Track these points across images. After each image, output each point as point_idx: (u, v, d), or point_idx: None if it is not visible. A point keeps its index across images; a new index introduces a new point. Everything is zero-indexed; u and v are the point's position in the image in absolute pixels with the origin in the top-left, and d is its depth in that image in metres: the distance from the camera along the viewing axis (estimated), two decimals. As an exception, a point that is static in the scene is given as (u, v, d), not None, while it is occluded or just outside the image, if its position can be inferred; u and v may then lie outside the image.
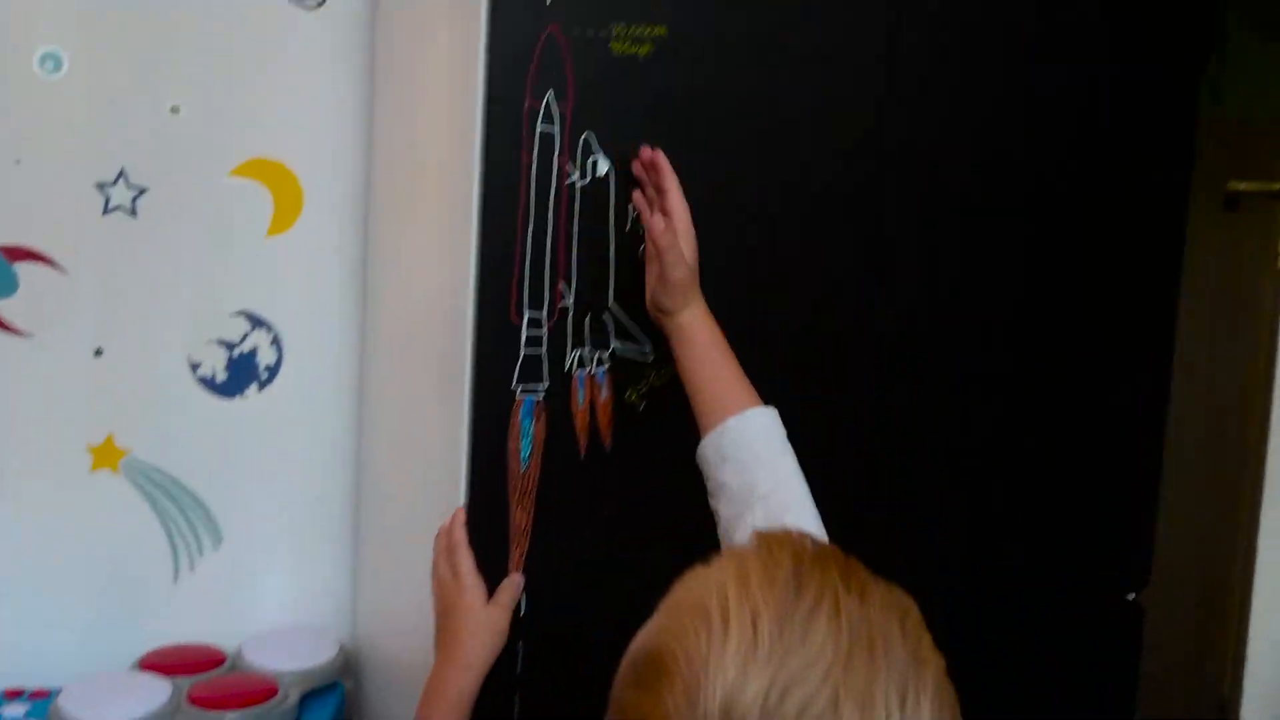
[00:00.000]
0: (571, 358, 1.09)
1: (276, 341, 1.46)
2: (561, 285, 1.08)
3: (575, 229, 1.07)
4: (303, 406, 1.46)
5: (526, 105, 1.04)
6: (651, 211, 1.05)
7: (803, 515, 0.95)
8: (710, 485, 1.01)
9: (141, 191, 1.39)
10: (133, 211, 1.39)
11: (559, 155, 1.06)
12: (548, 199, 1.06)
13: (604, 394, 1.11)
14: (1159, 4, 1.26)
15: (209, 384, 1.44)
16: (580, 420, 1.11)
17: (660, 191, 1.05)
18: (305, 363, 1.46)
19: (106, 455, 1.41)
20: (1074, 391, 1.28)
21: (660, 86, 1.07)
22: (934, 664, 0.60)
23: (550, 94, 1.04)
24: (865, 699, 0.55)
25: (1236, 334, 1.46)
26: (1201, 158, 1.39)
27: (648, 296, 1.06)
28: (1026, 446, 1.20)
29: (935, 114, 1.16)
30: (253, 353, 1.45)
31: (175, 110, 1.40)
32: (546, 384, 1.08)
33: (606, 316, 1.10)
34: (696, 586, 0.61)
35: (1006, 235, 1.24)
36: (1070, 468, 1.22)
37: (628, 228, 1.09)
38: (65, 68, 1.35)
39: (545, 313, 1.08)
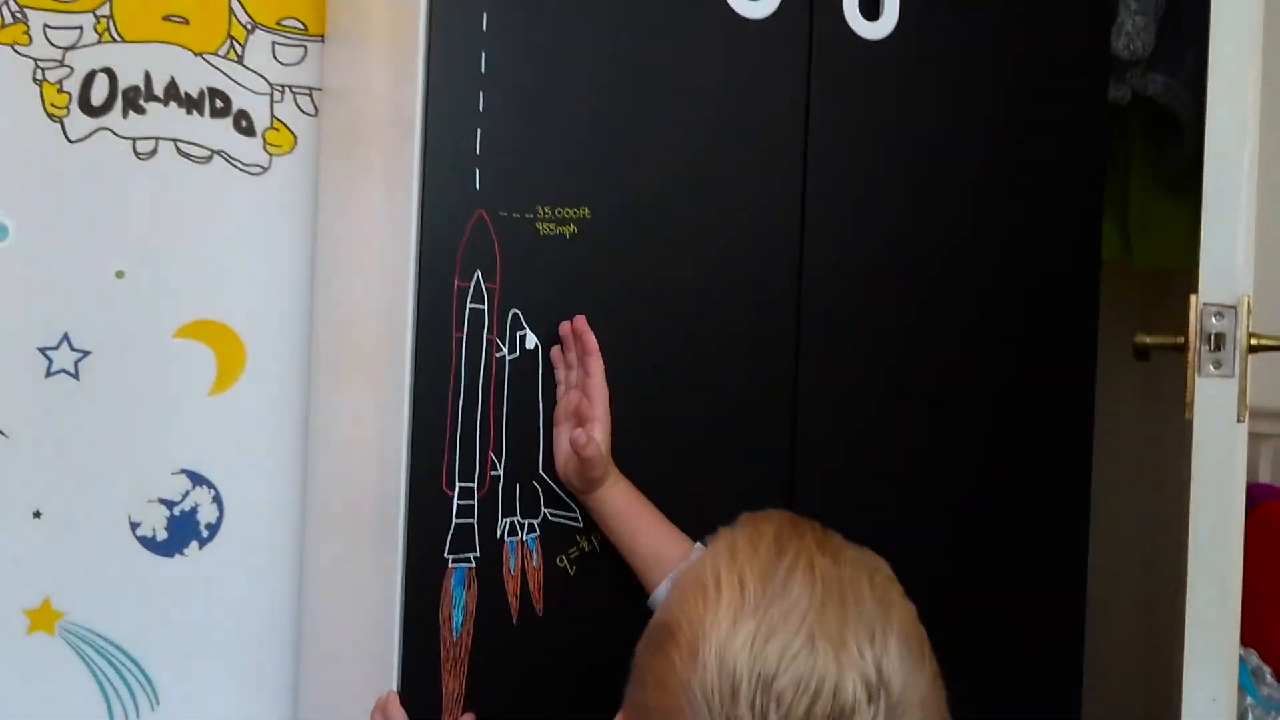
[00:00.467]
0: (503, 525, 1.11)
1: (218, 499, 1.47)
2: (492, 455, 1.11)
3: (505, 401, 1.11)
4: (243, 565, 1.47)
5: (456, 284, 1.08)
6: (567, 387, 1.10)
7: None
8: None
9: (85, 354, 1.41)
10: (75, 374, 1.41)
11: (488, 331, 1.10)
12: (478, 373, 1.09)
13: (535, 560, 1.13)
14: (1051, 154, 1.34)
15: (149, 543, 1.45)
16: (512, 586, 1.12)
17: (584, 371, 1.09)
18: (246, 521, 1.47)
19: (43, 618, 1.40)
20: (993, 543, 1.32)
21: (585, 264, 1.11)
22: (901, 608, 0.70)
23: (479, 273, 1.09)
24: (837, 638, 0.65)
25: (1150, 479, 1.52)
26: (1112, 307, 1.46)
27: (560, 471, 1.10)
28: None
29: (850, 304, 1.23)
30: (193, 511, 1.46)
31: (120, 274, 1.43)
32: (478, 553, 1.10)
33: (536, 485, 1.13)
34: (696, 566, 0.72)
35: (941, 399, 1.29)
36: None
37: (555, 398, 1.13)
38: (10, 235, 1.38)
39: (476, 483, 1.10)
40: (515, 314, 1.11)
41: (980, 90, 1.30)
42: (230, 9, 1.47)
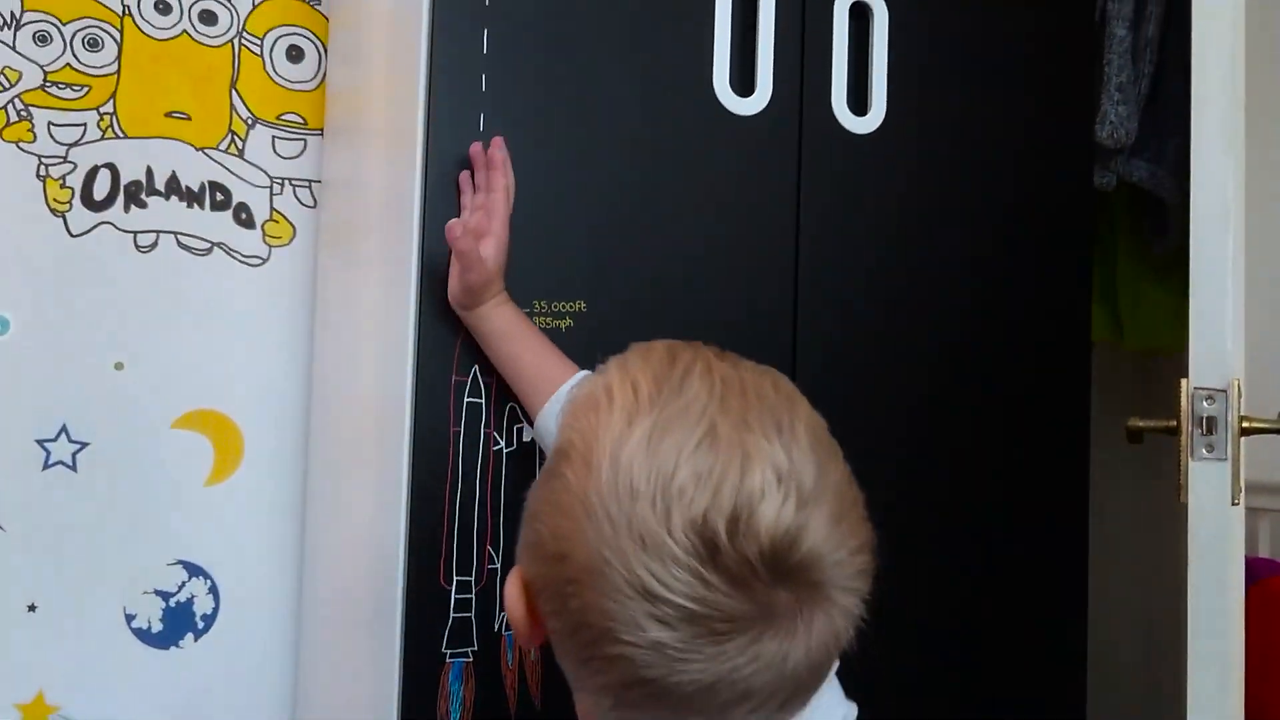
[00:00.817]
0: (500, 618, 1.11)
1: (214, 590, 1.46)
2: (489, 549, 1.11)
3: (502, 494, 1.11)
4: (239, 657, 1.46)
5: (454, 379, 1.09)
6: (472, 210, 1.07)
7: None
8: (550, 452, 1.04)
9: (82, 446, 1.42)
10: (73, 466, 1.41)
11: (485, 424, 1.10)
12: (475, 466, 1.10)
13: (533, 653, 1.13)
14: (1039, 240, 1.36)
15: (144, 635, 1.44)
16: (510, 679, 1.12)
17: (488, 188, 1.06)
18: (242, 612, 1.47)
19: (36, 713, 1.39)
20: (993, 630, 1.32)
21: (581, 357, 1.12)
22: (807, 408, 0.63)
23: (476, 367, 1.10)
24: (741, 425, 0.59)
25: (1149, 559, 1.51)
26: (1106, 388, 1.47)
27: (449, 291, 1.07)
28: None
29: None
30: (189, 602, 1.46)
31: (119, 366, 1.44)
32: (475, 646, 1.10)
33: (534, 577, 1.13)
34: (585, 385, 0.66)
35: (936, 482, 1.30)
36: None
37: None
38: (10, 329, 1.40)
39: (474, 576, 1.10)
40: (512, 407, 1.11)
41: (967, 179, 1.32)
42: (231, 105, 1.50)
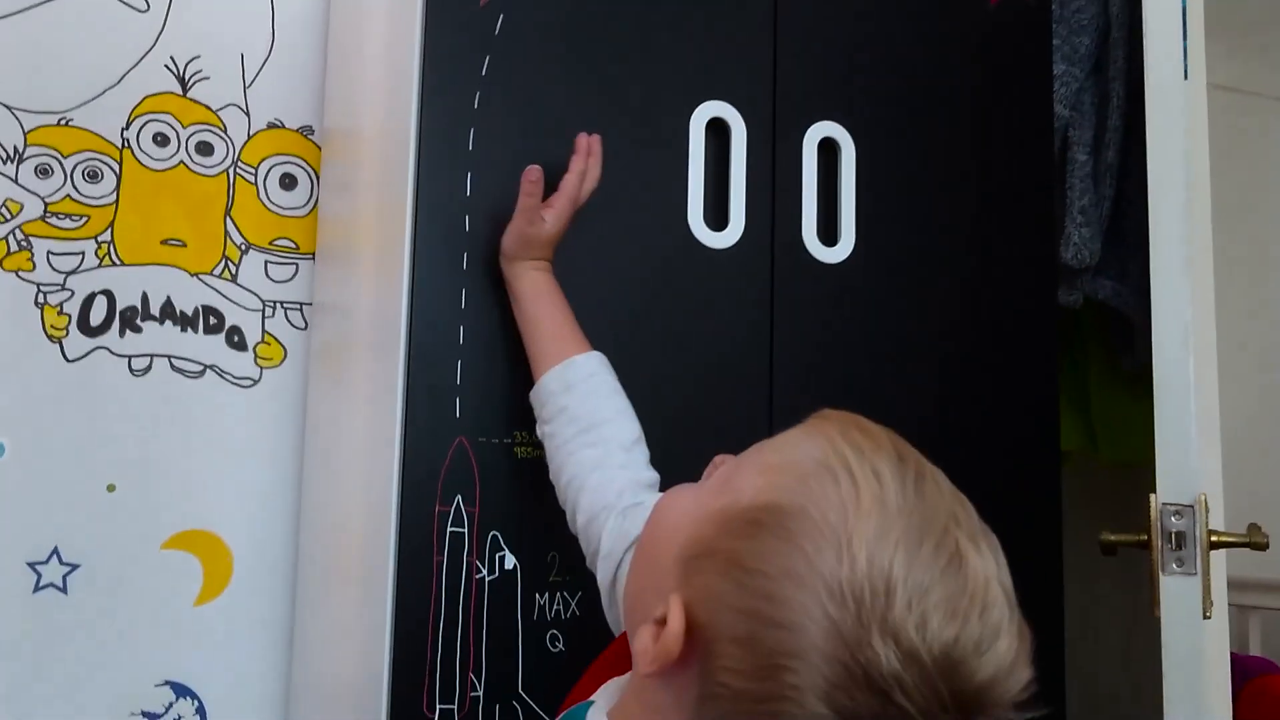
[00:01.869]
0: (484, 745, 1.13)
1: (201, 711, 1.47)
2: (472, 676, 1.13)
3: (485, 622, 1.13)
4: (224, 779, 1.47)
5: (437, 509, 1.12)
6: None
7: (642, 442, 1.07)
8: (546, 412, 1.07)
9: (74, 568, 1.44)
10: (63, 588, 1.43)
11: (468, 554, 1.13)
12: (458, 595, 1.12)
13: (515, 779, 1.14)
14: (1007, 359, 1.40)
15: (130, 758, 1.44)
16: (492, 806, 1.13)
17: (569, 169, 1.15)
18: (229, 732, 1.47)
19: (19, 839, 1.39)
20: None
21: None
22: None
23: (459, 498, 1.13)
24: (971, 542, 0.63)
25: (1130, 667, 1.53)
26: (1081, 501, 1.50)
27: (502, 241, 1.14)
28: None
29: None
30: (176, 723, 1.46)
31: (111, 488, 1.47)
32: (458, 774, 1.11)
33: (516, 704, 1.14)
34: (801, 452, 0.66)
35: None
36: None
37: (534, 617, 1.15)
38: (5, 453, 1.43)
39: (457, 704, 1.12)
40: (494, 536, 1.14)
41: (937, 302, 1.37)
42: (226, 231, 1.55)
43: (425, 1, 1.18)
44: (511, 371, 1.16)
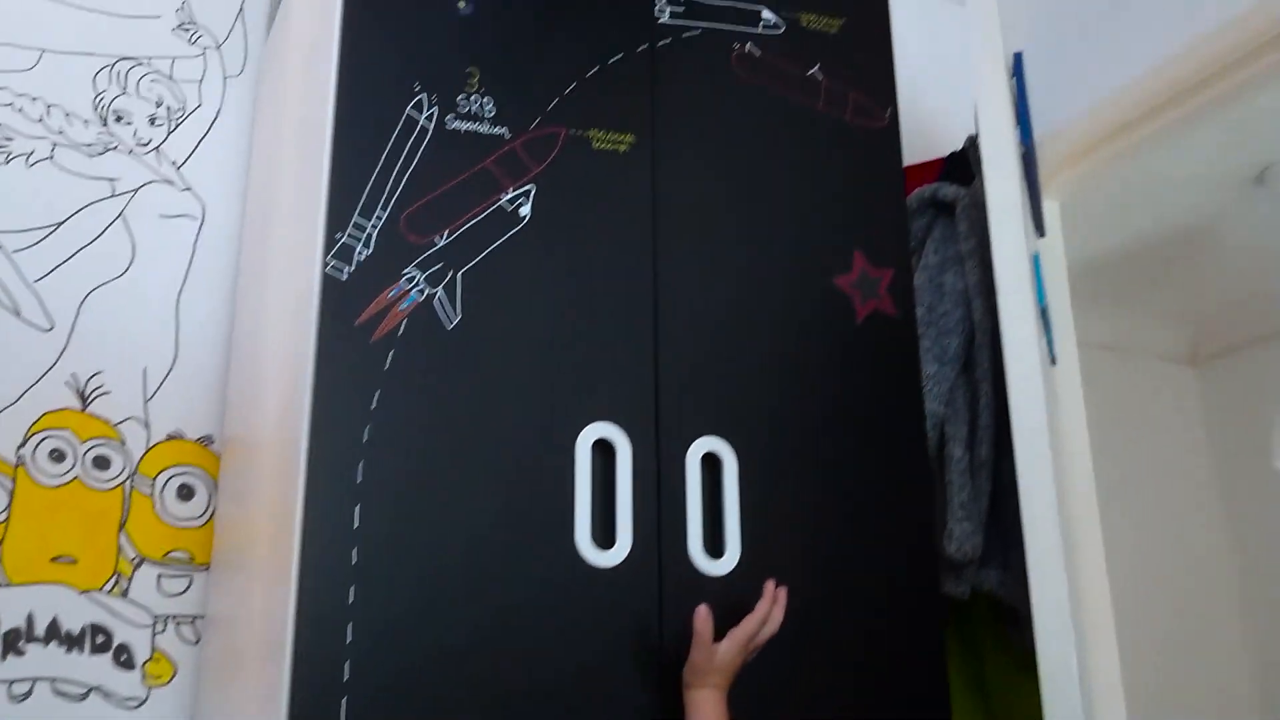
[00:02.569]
0: None
1: None
2: None
3: None
4: None
5: None
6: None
7: None
8: None
9: None
10: None
11: None
12: None
13: None
14: (897, 661, 1.42)
15: None
16: None
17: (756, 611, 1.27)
18: None
19: None
20: None
21: None
22: None
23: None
24: None
25: None
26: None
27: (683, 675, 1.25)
28: None
29: None
30: None
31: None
32: None
33: None
34: None
35: None
36: None
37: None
38: None
39: None
40: None
41: (826, 611, 1.39)
42: (119, 546, 1.54)
43: (319, 331, 1.24)
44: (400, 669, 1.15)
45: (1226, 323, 2.48)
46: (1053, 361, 1.68)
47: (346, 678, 1.15)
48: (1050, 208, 1.74)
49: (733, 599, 1.34)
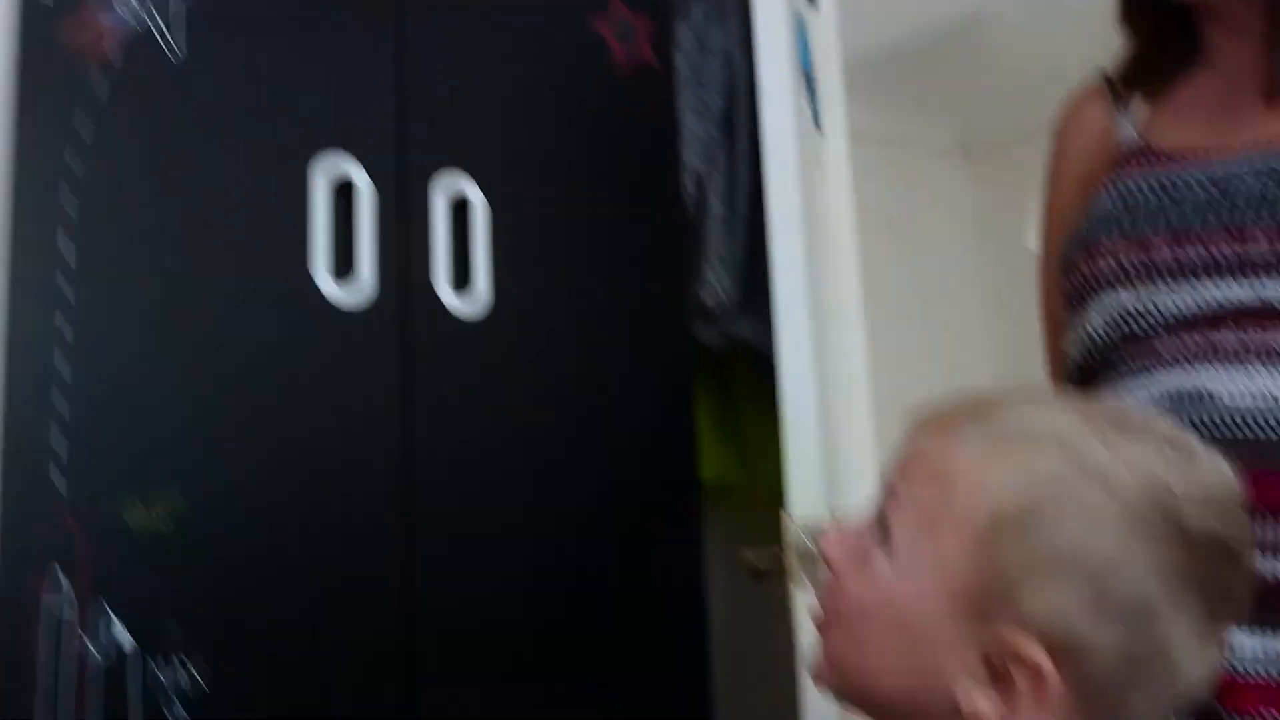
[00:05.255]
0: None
1: None
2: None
3: (101, 703, 1.07)
4: None
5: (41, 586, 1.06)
6: None
7: None
8: None
9: None
10: None
11: (74, 633, 1.07)
12: (66, 677, 1.06)
13: None
14: (647, 398, 1.46)
15: None
16: None
17: None
18: None
19: None
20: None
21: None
22: None
23: (59, 570, 1.07)
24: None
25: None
26: (737, 535, 1.57)
27: None
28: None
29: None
30: None
31: None
32: None
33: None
34: (988, 452, 0.72)
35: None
36: None
37: (157, 694, 1.10)
38: None
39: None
40: (105, 610, 1.09)
41: (575, 346, 1.40)
42: None
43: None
44: (124, 429, 1.11)
45: (995, 116, 2.57)
46: (817, 127, 1.69)
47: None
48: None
49: (483, 340, 1.33)
